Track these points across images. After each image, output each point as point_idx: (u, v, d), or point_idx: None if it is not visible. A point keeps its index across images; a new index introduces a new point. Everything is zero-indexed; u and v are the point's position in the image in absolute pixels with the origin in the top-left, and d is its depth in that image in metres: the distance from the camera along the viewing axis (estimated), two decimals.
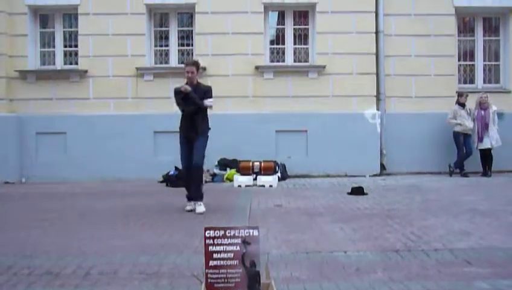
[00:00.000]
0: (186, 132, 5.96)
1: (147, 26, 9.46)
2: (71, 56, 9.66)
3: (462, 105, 9.17)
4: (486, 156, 9.10)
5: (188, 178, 6.07)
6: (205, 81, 9.28)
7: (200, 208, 5.87)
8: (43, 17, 9.70)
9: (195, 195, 5.96)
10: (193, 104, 5.90)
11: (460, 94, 9.26)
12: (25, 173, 9.27)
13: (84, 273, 3.53)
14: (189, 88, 5.88)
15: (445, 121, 9.21)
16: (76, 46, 9.52)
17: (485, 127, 9.01)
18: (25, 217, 5.81)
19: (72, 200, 7.10)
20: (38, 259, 3.89)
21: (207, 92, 6.01)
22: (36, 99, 9.32)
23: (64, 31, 9.66)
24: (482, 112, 9.08)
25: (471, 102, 9.20)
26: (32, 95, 9.33)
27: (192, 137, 5.93)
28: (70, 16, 9.65)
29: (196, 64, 6.07)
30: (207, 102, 5.97)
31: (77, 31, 9.45)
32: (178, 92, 6.00)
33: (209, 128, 6.10)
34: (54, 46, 9.64)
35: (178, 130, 6.09)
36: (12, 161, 9.16)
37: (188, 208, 6.00)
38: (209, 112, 6.15)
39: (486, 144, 9.03)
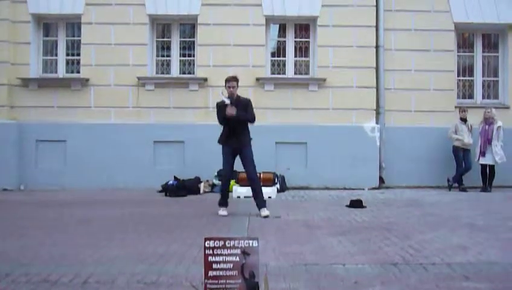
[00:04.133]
0: (232, 144, 6.38)
1: (149, 36, 9.54)
2: (73, 64, 9.73)
3: (464, 120, 9.21)
4: (488, 171, 9.09)
5: (226, 186, 6.55)
6: (207, 91, 9.40)
7: (265, 211, 6.30)
8: (46, 26, 9.79)
9: (261, 203, 6.39)
10: (237, 119, 6.27)
11: (461, 109, 9.31)
12: (24, 180, 9.27)
13: (82, 281, 3.52)
14: (234, 111, 6.20)
15: (447, 135, 9.24)
16: (78, 54, 9.59)
17: (487, 142, 9.01)
18: (23, 225, 5.80)
19: (70, 208, 7.09)
20: (36, 267, 3.89)
21: (247, 106, 6.40)
22: (37, 106, 9.37)
23: (67, 40, 9.75)
24: (486, 127, 9.10)
25: (470, 117, 9.23)
26: (34, 103, 9.37)
27: (237, 149, 6.38)
28: (73, 24, 9.73)
29: (237, 79, 6.47)
30: (240, 113, 6.26)
31: (80, 40, 9.53)
32: (220, 109, 6.33)
33: (251, 139, 6.51)
34: (56, 55, 9.71)
35: (217, 142, 6.51)
36: (12, 168, 9.17)
37: (222, 213, 6.39)
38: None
39: (488, 160, 9.02)
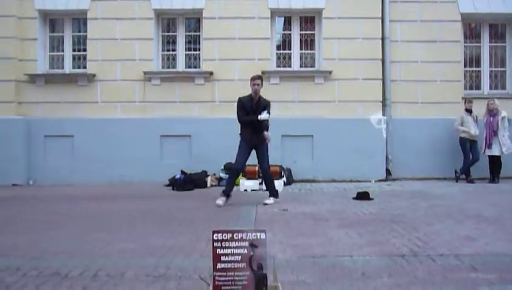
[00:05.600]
0: (250, 139, 6.71)
1: (155, 30, 9.54)
2: (80, 60, 9.76)
3: (469, 111, 9.16)
4: (495, 162, 9.06)
5: (234, 175, 6.83)
6: (212, 85, 9.41)
7: (270, 200, 6.77)
8: (52, 22, 9.83)
9: (272, 192, 6.86)
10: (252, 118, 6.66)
11: (466, 100, 9.26)
12: (33, 175, 9.35)
13: (92, 275, 3.56)
14: (268, 137, 6.79)
15: (453, 127, 9.20)
16: (84, 50, 9.63)
17: (493, 133, 8.98)
18: (32, 219, 5.87)
19: (79, 203, 7.15)
20: (47, 261, 3.93)
21: (266, 106, 6.72)
22: (45, 102, 9.43)
23: (73, 36, 9.78)
24: (491, 118, 9.06)
25: (477, 108, 9.18)
26: (41, 99, 9.43)
27: (254, 144, 6.72)
28: (79, 20, 9.76)
29: (262, 78, 6.86)
30: (261, 116, 6.61)
31: (86, 36, 9.55)
32: (243, 106, 6.71)
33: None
34: (62, 50, 9.75)
35: (239, 134, 6.84)
36: (21, 164, 9.25)
37: (219, 202, 6.54)
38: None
39: (494, 151, 8.99)
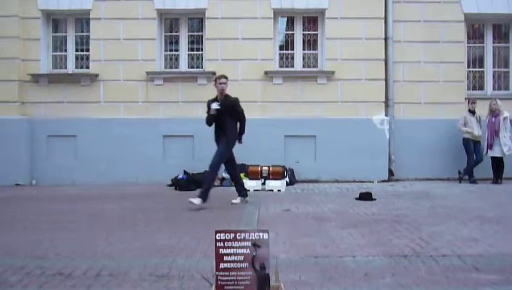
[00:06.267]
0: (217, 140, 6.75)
1: (158, 31, 9.56)
2: (82, 60, 9.78)
3: (472, 112, 9.14)
4: (498, 163, 9.04)
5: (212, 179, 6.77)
6: None
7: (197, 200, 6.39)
8: (55, 22, 9.85)
9: (202, 192, 6.45)
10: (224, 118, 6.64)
11: (469, 101, 9.25)
12: (36, 175, 9.38)
13: (95, 274, 3.57)
14: (213, 111, 6.59)
15: (456, 127, 9.19)
16: (87, 50, 9.65)
17: (494, 134, 8.96)
18: (36, 219, 5.88)
19: (82, 202, 7.17)
20: (50, 260, 3.95)
21: (235, 105, 6.69)
22: (48, 102, 9.45)
23: (76, 36, 9.80)
24: (493, 119, 9.04)
25: (480, 109, 9.17)
26: (44, 98, 9.45)
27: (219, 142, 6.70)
28: (82, 20, 9.78)
29: (227, 77, 6.83)
30: (212, 108, 6.60)
31: (89, 36, 9.58)
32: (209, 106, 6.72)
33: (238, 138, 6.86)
34: (65, 50, 9.78)
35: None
36: (24, 163, 9.28)
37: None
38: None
39: (496, 152, 8.97)
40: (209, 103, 6.73)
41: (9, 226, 5.47)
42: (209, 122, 6.73)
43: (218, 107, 6.54)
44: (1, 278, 3.49)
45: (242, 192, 6.88)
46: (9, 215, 6.14)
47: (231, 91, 9.16)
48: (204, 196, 6.38)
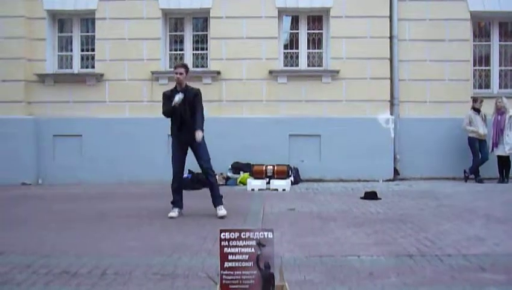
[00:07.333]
0: (180, 136, 5.95)
1: (162, 30, 9.57)
2: (88, 60, 9.81)
3: (477, 110, 9.10)
4: (504, 162, 8.99)
5: (180, 185, 6.06)
6: (220, 85, 9.42)
7: (222, 210, 5.86)
8: (61, 22, 9.89)
9: (217, 200, 5.93)
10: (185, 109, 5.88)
11: (475, 99, 9.20)
12: (42, 174, 9.43)
13: (101, 273, 3.59)
14: (177, 100, 5.81)
15: (461, 126, 9.14)
16: (93, 50, 9.67)
17: (500, 132, 8.91)
18: (42, 218, 5.92)
19: (87, 201, 7.21)
20: (56, 259, 3.97)
21: (196, 96, 5.98)
22: (53, 102, 9.49)
23: (81, 36, 9.82)
24: (499, 117, 8.99)
25: (487, 107, 9.12)
26: (50, 98, 9.49)
27: (186, 141, 5.91)
28: (88, 20, 9.81)
29: (186, 66, 6.08)
30: (174, 101, 5.81)
31: (94, 36, 9.60)
32: (165, 99, 5.97)
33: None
34: (71, 50, 9.81)
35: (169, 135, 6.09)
36: (30, 163, 9.32)
37: (172, 214, 5.84)
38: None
39: (501, 150, 8.91)
40: (167, 94, 6.01)
41: (16, 225, 5.51)
42: (168, 113, 5.95)
43: (182, 97, 5.83)
44: (8, 276, 3.52)
45: (179, 203, 6.05)
46: (15, 215, 6.18)
47: (236, 90, 9.28)
48: (222, 201, 5.96)
